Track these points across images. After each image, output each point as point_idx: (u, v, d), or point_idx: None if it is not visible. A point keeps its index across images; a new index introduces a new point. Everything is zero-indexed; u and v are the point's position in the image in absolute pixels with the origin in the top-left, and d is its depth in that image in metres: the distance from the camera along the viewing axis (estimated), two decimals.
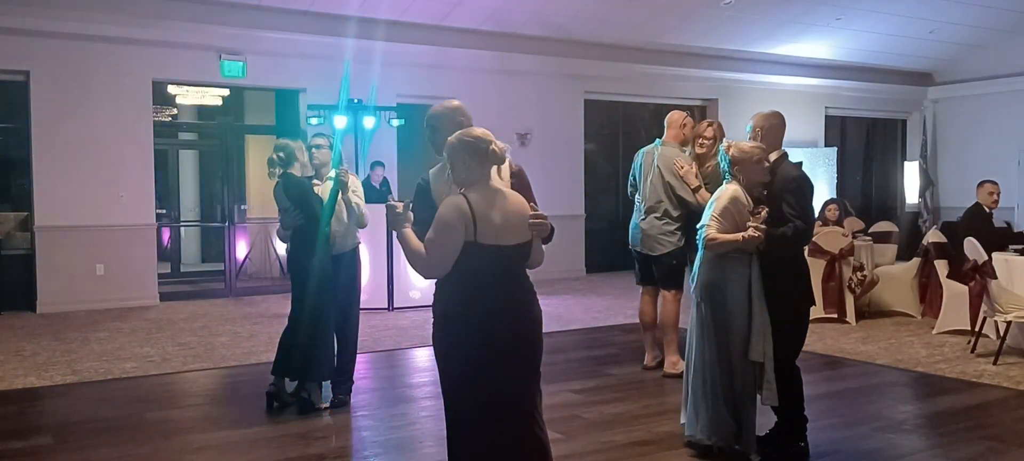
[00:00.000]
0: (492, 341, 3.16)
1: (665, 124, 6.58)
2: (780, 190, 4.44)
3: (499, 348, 3.16)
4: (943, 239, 8.19)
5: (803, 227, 4.41)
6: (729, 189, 4.46)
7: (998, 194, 8.00)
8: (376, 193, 11.00)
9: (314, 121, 10.73)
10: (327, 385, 5.67)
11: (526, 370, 3.27)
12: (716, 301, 4.42)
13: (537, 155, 12.24)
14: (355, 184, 5.65)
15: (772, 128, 4.62)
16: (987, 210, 7.93)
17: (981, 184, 8.24)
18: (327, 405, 5.53)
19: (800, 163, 4.64)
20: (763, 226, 4.30)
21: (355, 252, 5.74)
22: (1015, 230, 8.59)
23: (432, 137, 3.60)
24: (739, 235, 4.32)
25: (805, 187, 4.48)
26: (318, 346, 5.48)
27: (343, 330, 5.68)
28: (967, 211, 8.22)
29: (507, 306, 3.21)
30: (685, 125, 6.52)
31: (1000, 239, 7.71)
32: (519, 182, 3.52)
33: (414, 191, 3.61)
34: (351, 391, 5.76)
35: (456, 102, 3.67)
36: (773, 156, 4.53)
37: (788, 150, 4.67)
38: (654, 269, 6.46)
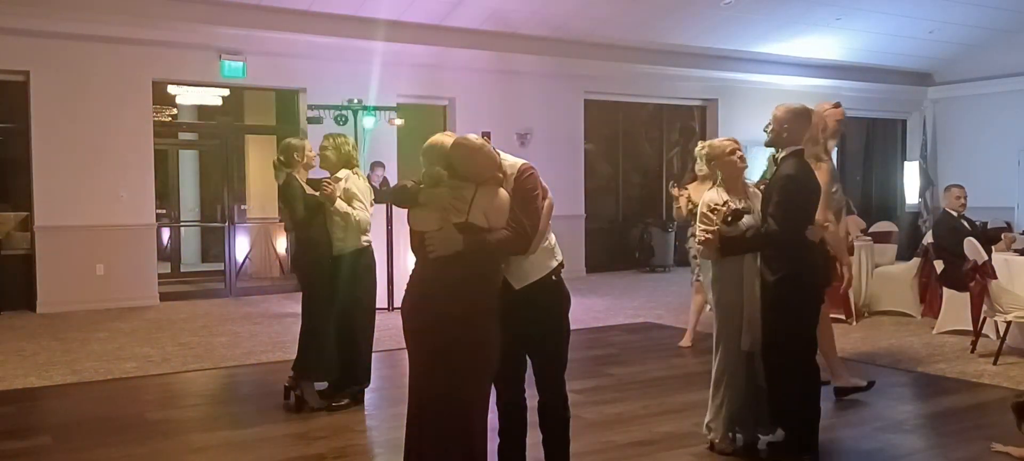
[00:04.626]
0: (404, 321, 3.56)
1: None
2: (770, 187, 4.27)
3: (406, 328, 3.54)
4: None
5: (772, 230, 4.14)
6: (705, 195, 4.55)
7: (965, 198, 7.98)
8: (375, 193, 10.99)
9: (311, 124, 10.70)
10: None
11: (420, 356, 3.50)
12: (715, 296, 4.57)
13: (537, 155, 12.09)
14: (359, 186, 5.55)
15: (793, 120, 4.27)
16: (955, 214, 7.92)
17: (948, 189, 8.22)
18: (322, 405, 5.47)
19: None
20: (711, 230, 4.32)
21: (359, 253, 5.54)
22: (990, 229, 8.58)
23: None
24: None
25: (798, 189, 4.17)
26: (308, 345, 5.46)
27: (347, 332, 5.54)
28: (937, 222, 8.16)
29: (412, 289, 3.55)
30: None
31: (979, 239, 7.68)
32: (516, 186, 3.53)
33: None
34: (359, 395, 5.65)
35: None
36: (783, 152, 4.29)
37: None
38: None
